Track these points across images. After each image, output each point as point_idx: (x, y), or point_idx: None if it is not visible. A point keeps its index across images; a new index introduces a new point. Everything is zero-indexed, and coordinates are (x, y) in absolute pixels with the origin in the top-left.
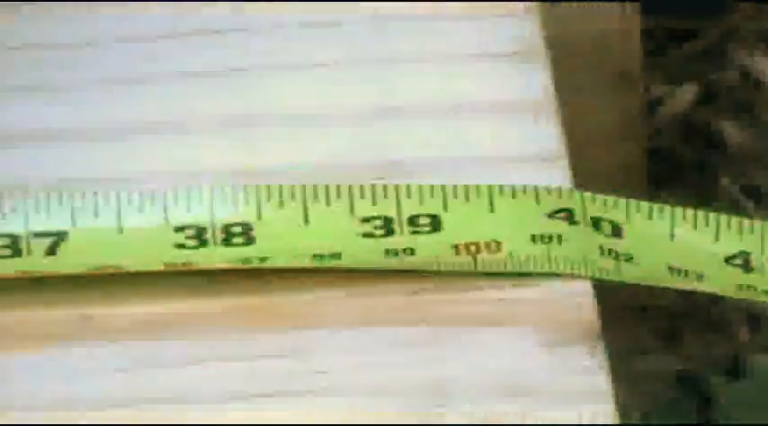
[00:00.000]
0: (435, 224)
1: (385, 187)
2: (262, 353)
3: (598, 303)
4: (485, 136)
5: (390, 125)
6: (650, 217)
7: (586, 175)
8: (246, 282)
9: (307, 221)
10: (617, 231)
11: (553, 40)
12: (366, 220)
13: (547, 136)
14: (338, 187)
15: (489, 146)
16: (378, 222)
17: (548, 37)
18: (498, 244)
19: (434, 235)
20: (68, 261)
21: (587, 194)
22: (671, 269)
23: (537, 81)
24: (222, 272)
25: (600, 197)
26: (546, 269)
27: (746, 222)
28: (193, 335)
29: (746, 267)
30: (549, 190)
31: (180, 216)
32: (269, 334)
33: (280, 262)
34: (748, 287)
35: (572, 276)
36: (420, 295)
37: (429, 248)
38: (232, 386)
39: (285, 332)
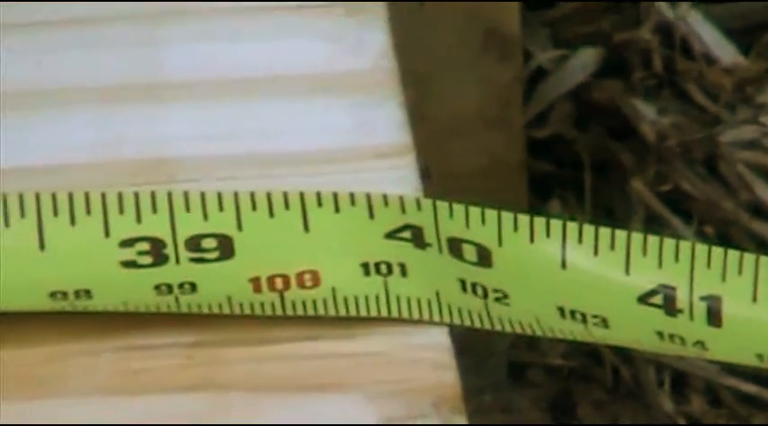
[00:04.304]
0: (225, 248)
1: (153, 196)
2: None
3: (460, 360)
4: (297, 123)
5: (157, 108)
6: (532, 239)
7: (442, 178)
8: None
9: (42, 246)
10: (485, 258)
11: None
12: (127, 244)
13: (386, 122)
14: (87, 196)
15: (303, 138)
16: (143, 246)
17: None
18: (315, 275)
19: (224, 264)
20: None
21: (442, 205)
22: (562, 311)
23: (372, 45)
24: None
25: (460, 209)
26: (384, 312)
27: (669, 245)
28: None
29: (669, 308)
30: (387, 201)
31: None
32: None
33: (5, 304)
34: (672, 336)
35: (421, 322)
36: (203, 348)
37: (217, 282)
38: None
39: (13, 402)
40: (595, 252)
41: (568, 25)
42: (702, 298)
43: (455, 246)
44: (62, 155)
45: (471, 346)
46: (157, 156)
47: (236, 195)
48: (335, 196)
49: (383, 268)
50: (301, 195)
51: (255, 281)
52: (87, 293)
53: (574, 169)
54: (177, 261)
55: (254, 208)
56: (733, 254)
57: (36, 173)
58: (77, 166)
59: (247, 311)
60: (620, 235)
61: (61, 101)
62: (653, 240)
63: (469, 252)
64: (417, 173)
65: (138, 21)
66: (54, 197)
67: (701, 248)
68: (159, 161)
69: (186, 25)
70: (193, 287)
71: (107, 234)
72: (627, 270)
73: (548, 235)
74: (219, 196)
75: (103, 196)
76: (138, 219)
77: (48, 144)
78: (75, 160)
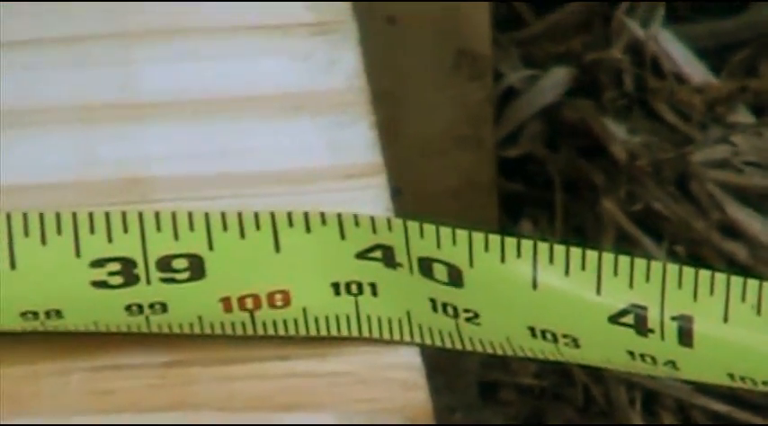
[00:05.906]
0: (196, 268)
1: (124, 216)
2: None
3: (431, 379)
4: (268, 142)
5: (131, 128)
6: (503, 259)
7: (413, 197)
8: None
9: (13, 265)
10: (456, 277)
11: (367, 8)
12: (98, 264)
13: (358, 142)
14: (58, 216)
15: (275, 158)
16: (114, 266)
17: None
18: (286, 295)
19: (195, 284)
20: None
21: (413, 224)
22: (533, 331)
23: (344, 64)
24: None
25: (431, 228)
26: (355, 331)
27: (641, 265)
28: None
29: (641, 328)
30: (358, 221)
31: None
32: None
33: None
34: (643, 356)
35: (392, 342)
36: (175, 368)
37: (187, 302)
38: None
39: None
40: (566, 272)
41: (539, 45)
42: (674, 318)
43: (426, 266)
44: (36, 175)
45: (442, 365)
46: (131, 176)
47: (206, 215)
48: (306, 216)
49: (354, 287)
50: (272, 215)
51: (226, 301)
52: (58, 313)
53: (545, 189)
54: (148, 281)
55: (224, 228)
56: (704, 274)
57: (10, 193)
58: (52, 186)
59: (218, 331)
60: (592, 254)
61: (36, 120)
62: (624, 260)
63: (440, 272)
64: (389, 193)
65: (113, 40)
66: (25, 216)
67: (673, 268)
68: (133, 180)
69: (160, 45)
70: (164, 307)
71: (78, 254)
72: (598, 290)
73: (519, 254)
74: (190, 216)
75: (74, 216)
76: (110, 239)
77: (22, 163)
78: (50, 179)
